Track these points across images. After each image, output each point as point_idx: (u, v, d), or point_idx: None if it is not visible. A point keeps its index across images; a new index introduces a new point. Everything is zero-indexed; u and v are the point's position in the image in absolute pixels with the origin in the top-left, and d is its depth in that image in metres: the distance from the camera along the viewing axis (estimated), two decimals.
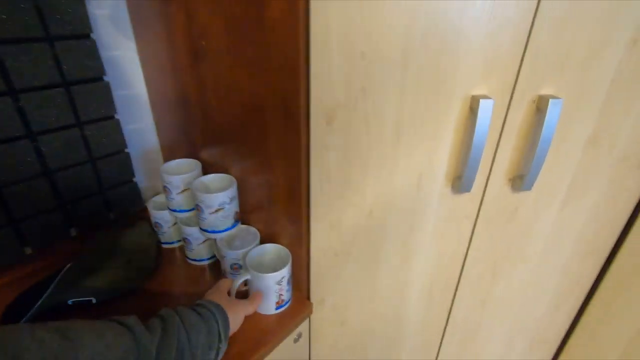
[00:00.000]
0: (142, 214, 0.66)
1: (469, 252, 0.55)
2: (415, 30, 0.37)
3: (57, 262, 0.51)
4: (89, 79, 0.55)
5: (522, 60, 0.41)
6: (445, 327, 0.65)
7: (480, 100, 0.41)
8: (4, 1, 0.45)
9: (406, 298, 0.59)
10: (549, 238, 0.56)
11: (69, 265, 0.49)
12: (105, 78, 0.57)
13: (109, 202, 0.63)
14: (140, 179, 0.68)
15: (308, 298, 0.54)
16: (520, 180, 0.48)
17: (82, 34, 0.52)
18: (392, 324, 0.62)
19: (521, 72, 0.42)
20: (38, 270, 0.54)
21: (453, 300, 0.61)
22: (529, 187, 0.48)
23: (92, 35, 0.54)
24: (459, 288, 0.59)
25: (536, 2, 0.38)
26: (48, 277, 0.48)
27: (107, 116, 0.58)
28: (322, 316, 0.57)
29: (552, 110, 0.42)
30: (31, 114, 0.50)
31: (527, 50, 0.40)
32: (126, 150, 0.63)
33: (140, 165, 0.68)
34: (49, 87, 0.51)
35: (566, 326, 0.70)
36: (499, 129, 0.45)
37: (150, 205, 0.62)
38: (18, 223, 0.53)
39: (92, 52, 0.54)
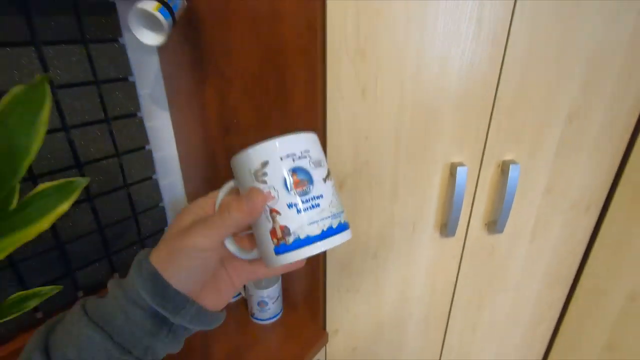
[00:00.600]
0: None
1: (457, 284, 0.65)
2: (405, 116, 0.49)
3: None
4: (136, 149, 0.66)
5: (487, 134, 0.53)
6: (441, 351, 0.74)
7: (458, 167, 0.53)
8: (76, 94, 0.56)
9: (406, 325, 0.68)
10: (522, 270, 0.67)
11: None
12: (147, 146, 0.68)
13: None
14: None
15: (324, 328, 0.63)
16: (494, 224, 0.59)
17: (132, 113, 0.64)
18: (395, 348, 0.71)
19: (487, 144, 0.54)
20: None
21: (447, 327, 0.71)
22: (501, 230, 0.59)
23: (138, 113, 0.65)
24: (451, 316, 0.69)
25: (494, 91, 0.51)
26: None
27: (148, 177, 0.69)
28: (337, 344, 0.66)
29: (513, 172, 0.55)
30: (92, 181, 0.60)
31: (491, 127, 0.53)
32: (161, 204, 0.73)
33: (169, 215, 0.77)
34: (106, 157, 0.61)
35: (544, 345, 0.80)
36: (474, 186, 0.57)
37: None
38: (74, 272, 0.62)
39: (139, 126, 0.65)
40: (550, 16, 0.46)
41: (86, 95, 0.57)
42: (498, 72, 0.49)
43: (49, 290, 0.38)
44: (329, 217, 0.26)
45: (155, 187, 0.71)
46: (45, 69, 0.52)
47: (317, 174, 0.26)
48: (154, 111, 0.70)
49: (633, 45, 0.50)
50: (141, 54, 0.65)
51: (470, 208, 0.58)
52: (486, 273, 0.65)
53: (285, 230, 0.25)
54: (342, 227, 0.27)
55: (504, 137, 0.54)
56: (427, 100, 0.49)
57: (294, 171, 0.25)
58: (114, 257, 0.67)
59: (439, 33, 0.45)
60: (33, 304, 0.36)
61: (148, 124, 0.68)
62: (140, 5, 0.40)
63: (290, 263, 0.26)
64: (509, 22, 0.46)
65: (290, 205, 0.25)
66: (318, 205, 0.26)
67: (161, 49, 0.67)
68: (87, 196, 0.61)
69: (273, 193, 0.25)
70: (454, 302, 0.67)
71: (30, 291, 0.36)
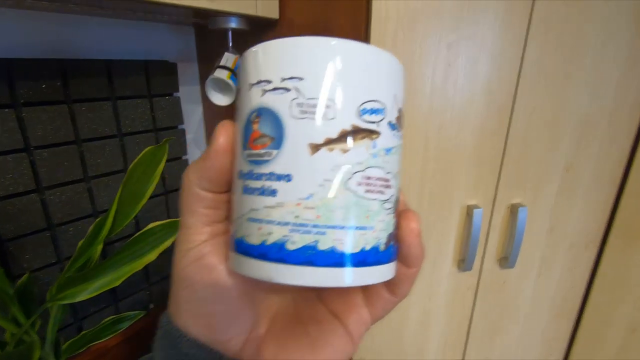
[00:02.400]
0: None
1: (473, 315, 0.71)
2: (428, 166, 0.57)
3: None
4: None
5: (498, 181, 0.62)
6: None
7: (474, 209, 0.61)
8: (137, 141, 0.64)
9: (426, 355, 0.73)
10: (530, 303, 0.73)
11: None
12: None
13: None
14: None
15: (351, 357, 0.68)
16: (506, 260, 0.67)
17: (180, 156, 0.72)
18: None
19: (498, 189, 0.62)
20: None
21: (464, 356, 0.75)
22: (512, 265, 0.66)
23: (184, 156, 0.73)
24: (467, 346, 0.74)
25: (503, 146, 0.60)
26: None
27: None
28: None
29: (521, 214, 0.63)
30: (143, 217, 0.67)
31: (501, 175, 0.61)
32: None
33: None
34: (157, 195, 0.68)
35: None
36: (487, 226, 0.64)
37: None
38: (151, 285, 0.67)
39: (184, 167, 0.73)
40: (546, 88, 0.56)
41: (145, 141, 0.65)
42: (506, 131, 0.58)
43: (137, 314, 0.43)
44: (307, 225, 0.15)
45: None
46: (117, 119, 0.60)
47: (300, 131, 0.15)
48: (196, 154, 0.78)
49: (613, 112, 0.60)
50: (189, 105, 0.74)
51: (484, 245, 0.66)
52: (499, 305, 0.72)
53: (231, 214, 0.17)
54: (336, 257, 0.15)
55: (512, 184, 0.62)
56: (447, 153, 0.58)
57: (258, 114, 0.16)
58: (153, 287, 0.72)
59: (457, 102, 0.55)
60: (125, 325, 0.41)
61: None
62: (216, 74, 0.49)
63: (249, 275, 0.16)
64: (513, 94, 0.56)
65: (240, 175, 0.16)
66: (274, 192, 0.15)
67: (205, 100, 0.76)
68: (137, 228, 0.67)
69: (238, 140, 0.17)
70: (470, 333, 0.72)
71: (124, 314, 0.41)
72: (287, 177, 0.15)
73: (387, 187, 0.16)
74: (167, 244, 0.38)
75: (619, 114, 0.60)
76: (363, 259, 0.15)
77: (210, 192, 0.18)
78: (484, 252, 0.66)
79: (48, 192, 0.53)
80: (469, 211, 0.61)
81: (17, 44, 0.50)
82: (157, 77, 0.64)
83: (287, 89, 0.15)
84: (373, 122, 0.16)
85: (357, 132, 0.15)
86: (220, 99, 0.53)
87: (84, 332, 0.37)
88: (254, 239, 0.15)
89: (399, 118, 0.17)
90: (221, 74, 0.50)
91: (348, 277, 0.15)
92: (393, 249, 0.17)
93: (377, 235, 0.16)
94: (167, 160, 0.69)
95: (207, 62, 0.73)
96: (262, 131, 0.16)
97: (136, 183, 0.34)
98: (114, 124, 0.60)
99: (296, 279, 0.15)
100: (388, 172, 0.16)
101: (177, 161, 0.71)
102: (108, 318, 0.41)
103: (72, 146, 0.55)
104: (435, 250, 0.64)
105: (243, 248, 0.16)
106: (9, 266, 0.48)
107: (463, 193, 0.61)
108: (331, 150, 0.15)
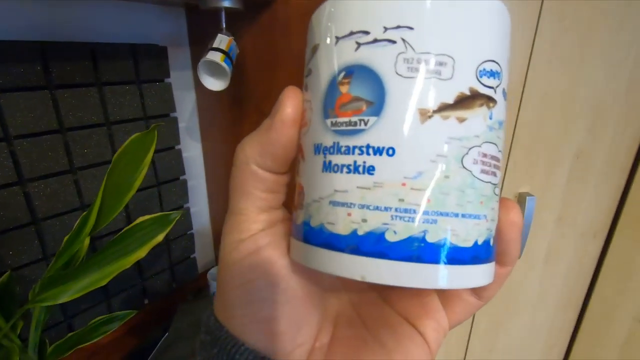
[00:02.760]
0: (195, 284, 0.78)
1: None
2: None
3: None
4: (174, 179, 0.70)
5: (505, 170, 0.59)
6: None
7: None
8: (127, 130, 0.60)
9: None
10: (536, 295, 0.71)
11: (165, 335, 0.59)
12: (182, 176, 0.72)
13: (174, 274, 0.75)
14: (196, 253, 0.80)
15: None
16: None
17: (172, 145, 0.68)
18: None
19: (506, 178, 0.60)
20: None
21: (466, 350, 0.74)
22: (519, 256, 0.64)
23: (177, 146, 0.70)
24: (470, 339, 0.72)
25: (512, 132, 0.57)
26: (147, 345, 0.58)
27: (181, 206, 0.72)
28: None
29: (529, 203, 0.60)
30: (134, 210, 0.64)
31: (509, 163, 0.59)
32: (191, 231, 0.76)
33: (196, 241, 0.80)
34: (148, 187, 0.65)
35: None
36: None
37: (209, 277, 0.74)
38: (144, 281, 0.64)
39: (178, 158, 0.69)
40: (559, 71, 0.54)
41: (134, 130, 0.61)
42: (515, 116, 0.55)
43: (128, 313, 0.41)
44: (414, 212, 0.12)
45: (188, 215, 0.74)
46: (104, 106, 0.56)
47: (408, 94, 0.12)
48: (189, 143, 0.75)
49: (629, 96, 0.57)
50: (181, 91, 0.70)
51: None
52: (503, 297, 0.70)
53: (301, 197, 0.14)
54: (451, 252, 0.12)
55: (520, 172, 0.60)
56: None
57: (350, 72, 0.13)
58: (146, 282, 0.69)
59: None
60: (115, 326, 0.38)
61: (184, 155, 0.72)
62: (209, 57, 0.46)
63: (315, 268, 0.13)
64: (524, 75, 0.53)
65: (316, 148, 0.13)
66: (370, 169, 0.12)
67: (198, 86, 0.73)
68: (128, 221, 0.64)
69: (308, 112, 0.14)
70: (473, 326, 0.71)
71: (113, 314, 0.39)
72: (390, 151, 0.12)
73: (498, 168, 0.14)
74: (158, 239, 0.35)
75: (634, 97, 0.58)
76: (476, 254, 0.13)
77: (270, 172, 0.15)
78: None
79: (31, 185, 0.50)
80: None
81: None
82: (146, 62, 0.60)
83: (391, 41, 0.12)
84: (491, 88, 0.13)
85: (475, 98, 0.12)
86: (213, 84, 0.49)
87: (70, 334, 0.35)
88: (341, 228, 0.12)
89: (507, 86, 0.14)
90: (214, 57, 0.46)
91: (462, 277, 0.13)
92: (496, 244, 0.15)
93: (489, 226, 0.13)
94: (158, 151, 0.66)
95: (200, 45, 0.69)
96: (355, 94, 0.13)
97: (122, 173, 0.31)
98: (101, 111, 0.56)
99: (400, 279, 0.12)
100: (500, 151, 0.14)
101: (169, 151, 0.68)
102: (97, 319, 0.39)
103: (55, 135, 0.52)
104: None
105: (323, 238, 0.13)
106: None
107: None
108: (446, 118, 0.12)
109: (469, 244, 0.13)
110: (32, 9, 0.50)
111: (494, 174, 0.13)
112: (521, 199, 0.61)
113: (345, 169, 0.13)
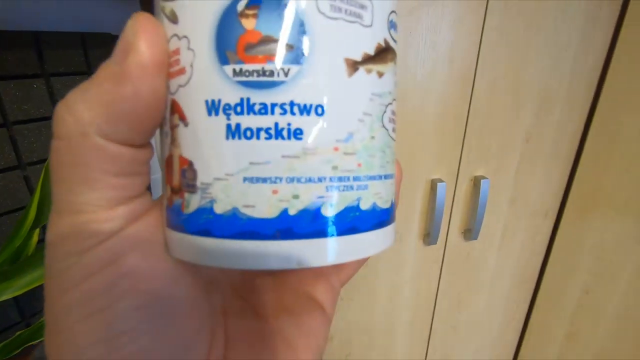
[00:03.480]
0: None
1: (439, 288, 0.72)
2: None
3: None
4: None
5: (461, 154, 0.62)
6: (426, 353, 0.80)
7: (438, 183, 0.60)
8: None
9: (395, 330, 0.74)
10: (493, 273, 0.75)
11: None
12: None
13: None
14: None
15: None
16: (469, 232, 0.67)
17: None
18: (386, 352, 0.76)
19: (461, 162, 0.62)
20: None
21: (431, 329, 0.77)
22: (475, 237, 0.67)
23: None
24: (434, 318, 0.76)
25: (465, 119, 0.59)
26: None
27: None
28: (332, 351, 0.70)
29: (484, 186, 0.63)
30: None
31: (464, 148, 0.61)
32: None
33: None
34: None
35: (516, 340, 0.88)
36: (451, 199, 0.65)
37: None
38: None
39: None
40: (508, 56, 0.56)
41: None
42: (468, 102, 0.57)
43: None
44: (348, 179, 0.11)
45: None
46: (52, 98, 0.54)
47: (335, 39, 0.10)
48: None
49: (573, 80, 0.61)
50: None
51: (448, 218, 0.66)
52: (463, 277, 0.73)
53: (188, 176, 0.11)
54: (378, 216, 0.12)
55: (474, 156, 0.62)
56: (410, 127, 0.56)
57: (255, 1, 0.10)
58: None
59: (419, 73, 0.53)
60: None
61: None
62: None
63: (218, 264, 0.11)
64: (475, 63, 0.55)
65: (211, 107, 0.10)
66: (297, 132, 0.10)
67: None
68: None
69: (183, 57, 0.10)
70: (436, 305, 0.74)
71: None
72: (319, 110, 0.10)
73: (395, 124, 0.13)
74: None
75: (577, 82, 0.61)
76: (392, 214, 0.13)
77: (126, 145, 0.10)
78: (449, 226, 0.67)
79: None
80: (433, 185, 0.61)
81: None
82: (97, 51, 0.58)
83: None
84: (396, 42, 0.12)
85: (388, 51, 0.11)
86: None
87: (18, 332, 0.34)
88: (265, 210, 0.10)
89: None
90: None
91: (388, 238, 0.12)
92: (385, 210, 0.13)
93: (393, 184, 0.13)
94: None
95: None
96: (267, 32, 0.09)
97: None
98: (49, 104, 0.54)
99: (343, 255, 0.11)
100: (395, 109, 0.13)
101: None
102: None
103: (0, 129, 0.49)
104: (401, 225, 0.63)
105: (240, 227, 0.10)
106: None
107: (427, 167, 0.60)
108: (369, 71, 0.11)
109: (388, 204, 0.12)
110: None
111: (395, 131, 0.13)
112: (476, 182, 0.64)
113: (263, 134, 0.10)
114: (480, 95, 0.57)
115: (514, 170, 0.66)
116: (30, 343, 0.33)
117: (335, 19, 0.10)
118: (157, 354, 0.11)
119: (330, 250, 0.10)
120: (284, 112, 0.10)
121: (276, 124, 0.10)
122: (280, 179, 0.10)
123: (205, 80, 0.10)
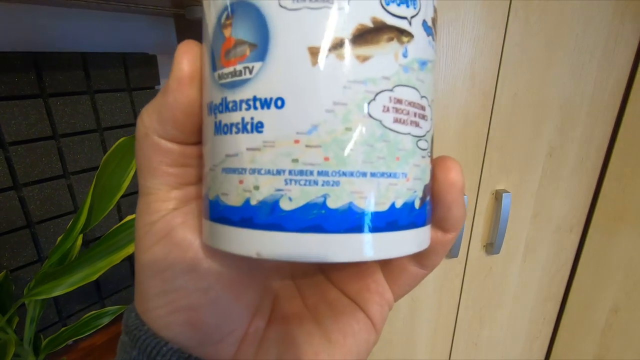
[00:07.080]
0: None
1: (461, 302, 0.72)
2: None
3: None
4: None
5: (482, 168, 0.62)
6: None
7: None
8: (119, 135, 0.62)
9: (416, 342, 0.73)
10: (516, 288, 0.74)
11: None
12: None
13: None
14: None
15: None
16: (491, 246, 0.67)
17: None
18: None
19: (482, 176, 0.63)
20: None
21: (452, 344, 0.76)
22: (497, 251, 0.67)
23: None
24: (455, 333, 0.75)
25: (486, 132, 0.60)
26: None
27: None
28: None
29: (505, 200, 0.63)
30: (127, 211, 0.66)
31: (485, 162, 0.62)
32: None
33: None
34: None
35: (542, 359, 0.86)
36: (472, 213, 0.65)
37: None
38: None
39: None
40: (528, 72, 0.57)
41: (126, 135, 0.64)
42: (489, 117, 0.58)
43: (119, 309, 0.43)
44: (310, 173, 0.10)
45: None
46: (96, 113, 0.59)
47: (295, 29, 0.10)
48: None
49: (595, 96, 0.61)
50: None
51: (470, 232, 0.66)
52: (485, 291, 0.72)
53: (202, 168, 0.13)
54: (357, 219, 0.11)
55: (496, 170, 0.63)
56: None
57: (232, 11, 0.11)
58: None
59: (440, 88, 0.54)
60: (106, 320, 0.40)
61: None
62: None
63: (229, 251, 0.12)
64: (495, 78, 0.56)
65: (210, 109, 0.12)
66: (259, 126, 0.11)
67: None
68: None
69: (203, 69, 0.12)
70: (458, 319, 0.73)
71: (104, 310, 0.41)
72: (278, 102, 0.10)
73: (423, 117, 0.12)
74: None
75: (600, 96, 0.61)
76: (394, 219, 0.11)
77: (176, 143, 0.13)
78: (470, 239, 0.67)
79: (26, 189, 0.52)
80: None
81: None
82: (137, 70, 0.62)
83: None
84: (403, 18, 0.11)
85: (381, 31, 0.10)
86: None
87: (63, 328, 0.37)
88: (233, 198, 0.11)
89: (434, 20, 0.12)
90: None
91: (374, 246, 0.11)
92: (429, 207, 0.13)
93: (411, 186, 0.12)
94: None
95: None
96: (239, 37, 0.11)
97: (111, 175, 0.33)
98: (93, 118, 0.58)
99: (297, 253, 0.10)
100: (423, 97, 0.12)
101: None
102: (88, 314, 0.41)
103: (49, 141, 0.54)
104: None
105: (219, 212, 0.11)
106: None
107: None
108: (342, 57, 0.10)
109: (384, 207, 0.11)
110: (25, 21, 0.52)
111: (416, 124, 0.12)
112: (498, 196, 0.64)
113: (234, 129, 0.11)
114: (501, 109, 0.58)
115: (536, 184, 0.65)
116: (74, 338, 0.35)
117: (298, 9, 0.10)
118: (200, 309, 0.14)
119: (285, 245, 0.10)
120: (249, 107, 0.11)
121: (242, 119, 0.11)
122: (245, 170, 0.11)
123: (207, 86, 0.12)
